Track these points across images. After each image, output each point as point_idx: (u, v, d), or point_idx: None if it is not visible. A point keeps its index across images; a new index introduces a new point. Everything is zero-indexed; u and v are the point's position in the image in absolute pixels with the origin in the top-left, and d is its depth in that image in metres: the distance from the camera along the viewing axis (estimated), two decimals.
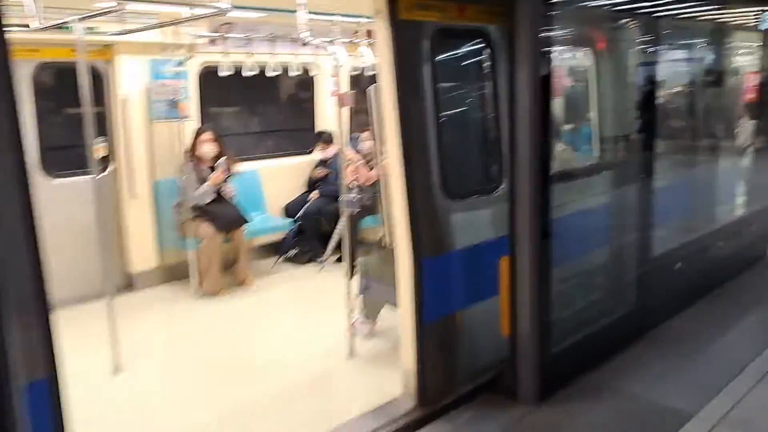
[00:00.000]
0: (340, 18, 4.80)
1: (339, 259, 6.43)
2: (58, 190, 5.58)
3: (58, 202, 5.36)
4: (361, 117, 6.03)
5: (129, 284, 6.18)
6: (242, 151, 7.17)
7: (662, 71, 5.25)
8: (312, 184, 7.35)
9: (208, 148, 5.94)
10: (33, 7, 3.94)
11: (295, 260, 6.93)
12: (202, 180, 5.91)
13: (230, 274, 6.24)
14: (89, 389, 3.95)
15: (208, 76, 6.41)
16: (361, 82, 6.66)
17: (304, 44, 5.08)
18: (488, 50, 3.90)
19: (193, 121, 6.36)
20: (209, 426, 3.73)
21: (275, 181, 7.12)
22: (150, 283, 6.21)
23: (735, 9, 6.28)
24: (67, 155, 5.63)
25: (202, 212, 5.90)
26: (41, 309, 2.21)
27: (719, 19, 6.18)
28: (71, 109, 5.46)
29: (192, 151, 5.89)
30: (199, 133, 5.96)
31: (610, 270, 4.72)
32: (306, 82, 7.45)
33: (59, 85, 5.86)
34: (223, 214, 5.95)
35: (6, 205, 2.08)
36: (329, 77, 6.35)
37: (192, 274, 5.94)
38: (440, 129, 3.62)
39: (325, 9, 4.49)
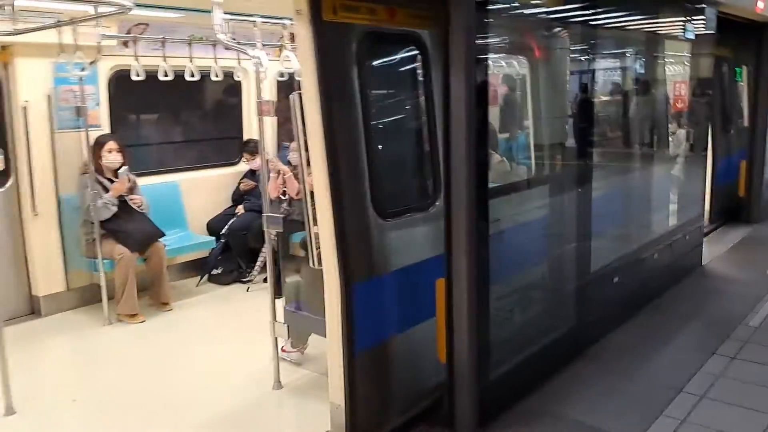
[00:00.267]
0: (260, 19, 4.45)
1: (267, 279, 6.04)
2: None
3: None
4: (290, 125, 5.68)
5: (33, 309, 5.62)
6: (162, 163, 6.72)
7: (595, 80, 5.18)
8: (239, 197, 6.92)
9: (113, 159, 5.45)
10: None
11: (220, 280, 6.48)
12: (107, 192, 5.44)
13: (148, 296, 5.75)
14: None
15: (123, 82, 5.91)
16: (290, 89, 6.30)
17: (227, 48, 4.72)
18: (422, 57, 3.64)
19: (103, 131, 5.85)
20: None
21: (197, 195, 6.65)
22: (57, 308, 5.66)
23: (664, 18, 6.31)
24: None
25: (112, 230, 5.40)
26: None
27: (650, 28, 6.19)
28: None
29: (95, 162, 5.37)
30: (102, 142, 5.47)
31: (549, 287, 4.55)
32: (233, 88, 7.03)
33: None
34: (135, 230, 5.48)
35: None
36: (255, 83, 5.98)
37: (103, 298, 5.41)
38: (370, 141, 3.32)
39: (243, 9, 4.14)
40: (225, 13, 4.06)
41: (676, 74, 6.87)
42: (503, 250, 3.88)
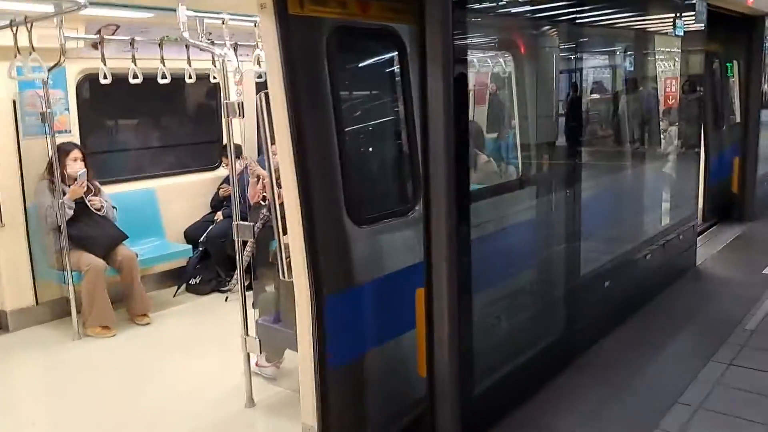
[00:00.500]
0: (228, 16, 4.23)
1: (248, 287, 5.81)
2: None
3: None
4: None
5: (1, 324, 5.37)
6: (137, 169, 6.48)
7: (583, 78, 4.99)
8: (218, 204, 6.69)
9: (77, 167, 5.25)
10: None
11: (199, 290, 6.24)
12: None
13: (124, 308, 5.51)
14: None
15: (94, 85, 5.66)
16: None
17: (194, 47, 4.50)
18: (399, 53, 3.44)
19: (73, 137, 5.62)
20: None
21: (175, 202, 6.41)
22: (26, 323, 5.41)
23: (652, 14, 6.13)
24: None
25: (77, 238, 5.18)
26: None
27: (638, 24, 6.01)
28: None
29: (61, 171, 5.14)
30: (66, 150, 5.25)
31: (536, 293, 4.34)
32: (212, 90, 6.80)
33: None
34: (99, 235, 5.27)
35: None
36: (233, 84, 5.76)
37: (72, 312, 5.17)
38: (343, 143, 3.12)
39: (207, 6, 3.92)
40: (194, 11, 3.88)
41: (666, 70, 6.69)
42: (487, 256, 3.68)
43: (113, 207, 5.51)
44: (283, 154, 2.99)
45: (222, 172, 6.82)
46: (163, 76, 5.40)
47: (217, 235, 6.30)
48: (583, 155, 4.84)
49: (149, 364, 4.74)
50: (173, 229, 6.38)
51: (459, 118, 3.27)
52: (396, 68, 3.44)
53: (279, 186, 5.16)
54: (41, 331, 5.37)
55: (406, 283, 3.37)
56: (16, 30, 4.50)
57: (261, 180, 5.53)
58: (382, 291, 3.30)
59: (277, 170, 5.76)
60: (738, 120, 9.07)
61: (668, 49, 6.60)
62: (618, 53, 5.92)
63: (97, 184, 5.44)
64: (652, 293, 5.60)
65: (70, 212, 5.16)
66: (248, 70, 4.24)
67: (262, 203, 5.60)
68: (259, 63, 5.34)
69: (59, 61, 4.70)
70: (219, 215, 6.49)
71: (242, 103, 3.66)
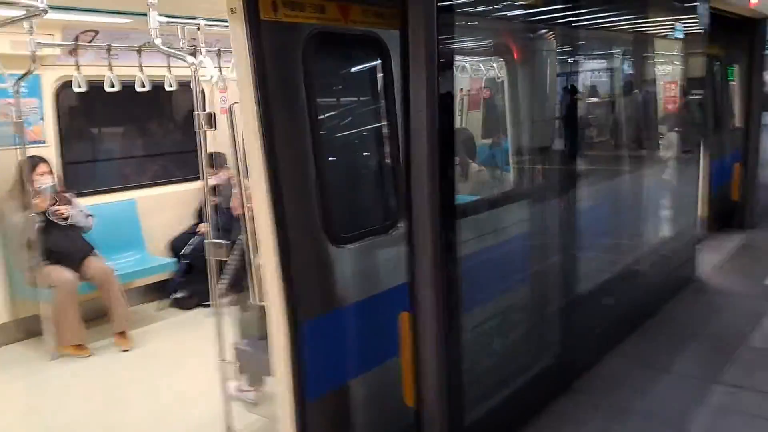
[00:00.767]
0: (204, 22, 4.01)
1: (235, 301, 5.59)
2: None
3: None
4: None
5: None
6: (117, 179, 6.26)
7: (578, 83, 4.76)
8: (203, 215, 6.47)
9: (44, 181, 5.04)
10: None
11: (183, 304, 6.02)
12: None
13: (107, 323, 5.27)
14: None
15: (73, 94, 5.42)
16: None
17: (172, 56, 4.30)
18: (382, 60, 3.22)
19: (49, 147, 5.40)
20: None
21: (157, 213, 6.18)
22: (2, 341, 5.20)
23: (653, 17, 5.92)
24: None
25: (49, 251, 4.96)
26: None
27: (638, 27, 5.80)
28: None
29: (31, 185, 4.92)
30: (33, 165, 5.03)
31: (530, 315, 4.09)
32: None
33: None
34: (67, 247, 5.07)
35: None
36: (217, 93, 5.55)
37: (47, 330, 4.94)
38: (320, 156, 2.90)
39: (179, 11, 3.73)
40: (167, 16, 3.67)
41: (666, 74, 6.47)
42: (477, 275, 3.45)
43: (89, 215, 5.28)
44: (253, 167, 2.77)
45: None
46: (142, 85, 5.18)
47: (201, 247, 6.05)
48: (578, 164, 4.62)
49: (125, 387, 4.51)
50: (155, 242, 6.15)
51: (444, 126, 3.04)
52: (379, 76, 3.23)
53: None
54: (17, 349, 5.17)
55: (389, 306, 3.14)
56: None
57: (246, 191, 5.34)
58: (363, 315, 3.07)
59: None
60: (738, 125, 8.86)
61: (669, 53, 6.39)
62: (616, 57, 5.70)
63: (67, 196, 5.23)
64: (652, 308, 5.36)
65: (38, 224, 4.95)
66: (233, 78, 4.03)
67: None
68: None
69: (30, 69, 4.48)
70: (202, 226, 6.26)
71: (214, 114, 3.42)
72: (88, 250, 5.23)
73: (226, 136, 3.55)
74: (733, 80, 9.05)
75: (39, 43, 4.39)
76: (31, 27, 4.31)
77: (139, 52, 5.10)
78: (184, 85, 5.79)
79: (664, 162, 6.48)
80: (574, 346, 4.20)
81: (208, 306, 5.89)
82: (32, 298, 5.15)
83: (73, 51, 5.00)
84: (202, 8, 3.98)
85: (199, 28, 3.97)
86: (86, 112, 5.99)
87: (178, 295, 6.05)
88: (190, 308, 5.99)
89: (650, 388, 4.11)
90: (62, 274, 4.92)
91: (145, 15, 3.47)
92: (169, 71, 5.34)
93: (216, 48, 5.49)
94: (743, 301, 5.71)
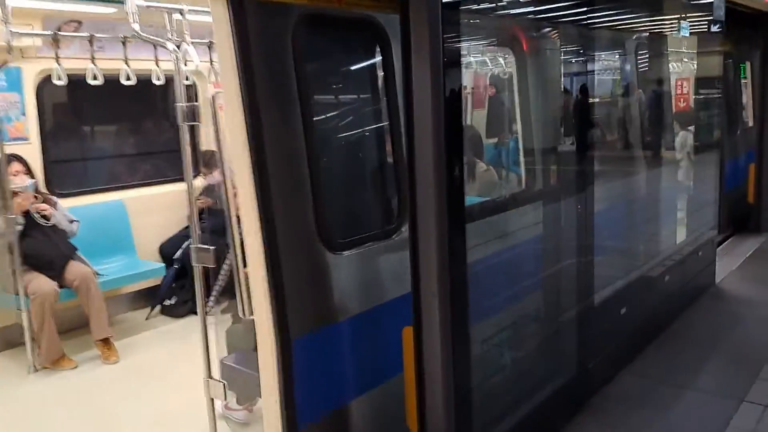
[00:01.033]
0: (188, 7, 3.72)
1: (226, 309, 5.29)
2: None
3: None
4: None
5: None
6: (104, 179, 5.97)
7: (591, 80, 4.45)
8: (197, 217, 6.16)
9: (18, 182, 4.73)
10: None
11: (174, 311, 5.72)
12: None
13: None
14: None
15: (57, 88, 5.12)
16: None
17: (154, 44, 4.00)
18: (381, 47, 2.93)
19: (31, 144, 5.11)
20: None
21: (147, 215, 5.87)
22: None
23: (666, 13, 5.61)
24: None
25: (30, 257, 4.69)
26: None
27: (651, 24, 5.50)
28: None
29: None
30: (8, 163, 4.71)
31: (544, 329, 3.77)
32: (190, 93, 6.26)
33: None
34: (48, 251, 4.76)
35: None
36: (212, 87, 5.24)
37: (26, 341, 4.65)
38: (314, 153, 2.62)
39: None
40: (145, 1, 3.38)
41: (682, 71, 6.17)
42: (487, 285, 3.14)
43: (73, 220, 4.99)
44: (239, 166, 2.48)
45: (200, 182, 6.29)
46: (128, 78, 4.88)
47: None
48: (595, 164, 4.30)
49: (106, 403, 4.22)
50: (146, 245, 5.85)
51: (451, 121, 2.73)
52: (379, 65, 2.94)
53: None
54: None
55: (391, 319, 2.84)
56: None
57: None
58: (363, 330, 2.79)
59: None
60: (751, 124, 8.55)
61: (684, 50, 6.09)
62: (628, 54, 5.40)
63: (52, 199, 4.93)
64: (670, 317, 5.04)
65: (20, 228, 4.67)
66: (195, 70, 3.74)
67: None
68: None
69: (6, 60, 4.19)
70: None
71: (196, 107, 3.13)
72: (70, 253, 4.93)
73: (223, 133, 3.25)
74: (745, 78, 8.74)
75: (13, 32, 4.09)
76: (6, 16, 4.02)
77: (124, 43, 4.80)
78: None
79: (682, 162, 6.18)
80: (591, 362, 3.88)
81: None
82: (12, 306, 4.86)
83: (55, 42, 4.70)
84: None
85: (182, 14, 3.67)
86: (72, 108, 5.72)
87: (170, 301, 5.75)
88: (181, 316, 5.70)
89: (670, 405, 3.79)
90: (41, 284, 4.62)
91: (113, 1, 3.19)
92: (157, 64, 5.05)
93: (207, 41, 5.21)
94: (766, 310, 5.38)
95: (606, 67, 5.12)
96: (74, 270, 4.81)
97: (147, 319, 5.69)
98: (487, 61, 6.13)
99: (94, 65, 4.71)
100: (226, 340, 3.60)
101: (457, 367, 2.83)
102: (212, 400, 3.35)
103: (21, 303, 4.63)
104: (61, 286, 4.76)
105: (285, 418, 2.58)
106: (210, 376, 3.32)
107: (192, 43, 4.08)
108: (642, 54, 5.63)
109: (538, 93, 4.13)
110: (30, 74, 5.04)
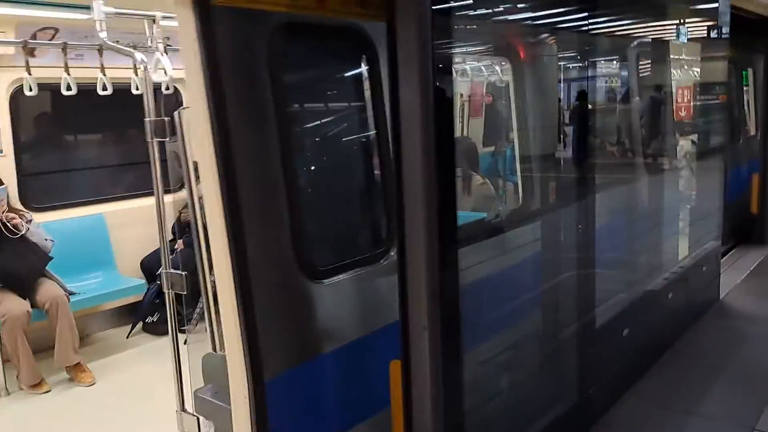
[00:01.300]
0: (160, 13, 3.50)
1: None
2: None
3: None
4: None
5: None
6: (83, 192, 5.74)
7: (588, 88, 4.24)
8: (181, 230, 5.93)
9: None
10: None
11: (156, 329, 5.47)
12: None
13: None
14: None
15: (33, 98, 4.88)
16: None
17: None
18: (366, 58, 2.71)
19: (5, 157, 4.88)
20: None
21: (128, 229, 5.64)
22: None
23: (668, 19, 5.42)
24: None
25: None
26: None
27: (652, 31, 5.30)
28: None
29: None
30: None
31: (543, 357, 3.55)
32: (173, 103, 6.05)
33: None
34: (15, 267, 4.48)
35: None
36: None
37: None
38: (292, 170, 2.40)
39: (127, 5, 3.25)
40: (115, 8, 3.18)
41: (686, 79, 5.97)
42: (480, 313, 2.92)
43: (47, 239, 4.74)
44: (206, 185, 2.25)
45: (184, 194, 6.05)
46: (104, 88, 4.65)
47: (177, 266, 5.53)
48: (596, 177, 4.09)
49: (84, 429, 3.99)
50: (127, 261, 5.62)
51: (442, 136, 2.50)
52: (364, 76, 2.72)
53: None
54: None
55: (377, 351, 2.62)
56: None
57: None
58: (345, 364, 2.56)
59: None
60: (753, 132, 8.36)
61: (686, 57, 5.89)
62: (630, 61, 5.20)
63: (26, 214, 4.69)
64: (674, 336, 4.81)
65: None
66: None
67: None
68: None
69: None
70: (180, 243, 5.72)
71: (167, 120, 2.91)
72: (41, 267, 4.67)
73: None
74: (747, 85, 8.56)
75: None
76: None
77: (100, 51, 4.58)
78: (157, 89, 5.29)
79: (685, 172, 5.97)
80: (593, 387, 3.66)
81: (183, 332, 5.38)
82: None
83: (27, 51, 4.48)
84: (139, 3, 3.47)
85: (155, 21, 3.45)
86: (49, 118, 5.48)
87: (151, 319, 5.52)
88: (164, 334, 5.40)
89: None
90: (12, 305, 4.37)
91: (79, 7, 2.97)
92: (136, 73, 4.82)
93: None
94: None
95: (606, 74, 4.93)
96: (45, 292, 4.55)
97: (128, 337, 5.46)
98: (483, 69, 5.94)
99: (68, 75, 4.48)
100: (202, 369, 3.37)
101: (449, 403, 2.61)
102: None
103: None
104: (33, 306, 4.51)
105: None
106: (183, 409, 3.09)
107: (172, 50, 3.89)
108: (643, 61, 5.44)
109: (535, 101, 3.93)
110: (2, 84, 4.82)
